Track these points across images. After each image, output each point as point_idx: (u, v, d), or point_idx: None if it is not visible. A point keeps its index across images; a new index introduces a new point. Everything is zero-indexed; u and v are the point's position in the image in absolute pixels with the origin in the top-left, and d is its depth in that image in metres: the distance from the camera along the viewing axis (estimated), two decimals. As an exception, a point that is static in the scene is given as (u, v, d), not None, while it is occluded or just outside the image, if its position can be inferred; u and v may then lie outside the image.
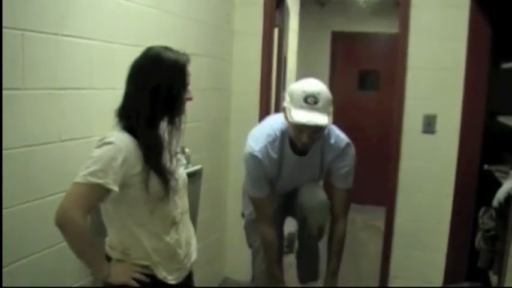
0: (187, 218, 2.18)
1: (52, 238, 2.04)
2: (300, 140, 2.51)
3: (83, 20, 2.14)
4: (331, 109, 2.49)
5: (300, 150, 2.64)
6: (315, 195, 2.80)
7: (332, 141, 2.69)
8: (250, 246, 3.11)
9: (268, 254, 2.87)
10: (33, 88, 1.88)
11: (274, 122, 2.71)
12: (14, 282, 1.85)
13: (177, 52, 1.97)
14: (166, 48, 1.97)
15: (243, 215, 3.11)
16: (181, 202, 2.09)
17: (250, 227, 3.03)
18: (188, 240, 2.17)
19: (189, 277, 2.21)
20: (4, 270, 1.80)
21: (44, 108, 1.95)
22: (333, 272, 2.89)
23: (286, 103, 2.52)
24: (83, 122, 2.19)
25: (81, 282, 2.25)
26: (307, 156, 2.67)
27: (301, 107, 2.42)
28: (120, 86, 2.36)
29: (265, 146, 2.62)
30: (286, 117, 2.51)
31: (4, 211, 1.79)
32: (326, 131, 2.64)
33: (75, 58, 2.11)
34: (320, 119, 2.41)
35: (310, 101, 2.42)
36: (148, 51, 1.97)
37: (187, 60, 1.98)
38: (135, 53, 2.44)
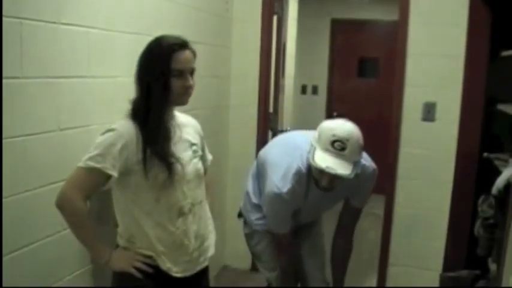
0: (201, 210, 2.16)
1: (52, 226, 2.04)
2: (320, 182, 2.38)
3: (81, 8, 2.12)
4: (359, 157, 2.34)
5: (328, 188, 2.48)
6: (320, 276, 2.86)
7: (358, 171, 2.48)
8: (252, 248, 2.94)
9: (287, 283, 2.82)
10: (31, 77, 1.87)
11: (301, 154, 2.49)
12: (14, 270, 1.85)
13: (169, 38, 1.97)
14: (163, 36, 1.98)
15: (239, 215, 2.96)
16: (191, 193, 2.08)
17: (255, 236, 2.87)
18: (201, 233, 2.15)
19: (203, 273, 2.20)
20: (4, 258, 1.80)
21: (43, 97, 1.94)
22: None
23: (313, 140, 2.35)
24: (81, 111, 2.18)
25: (81, 270, 2.25)
26: (336, 189, 2.50)
27: (326, 150, 2.26)
28: (119, 74, 2.37)
29: (293, 187, 2.44)
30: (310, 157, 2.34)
31: (4, 200, 1.78)
32: None
33: (74, 46, 2.09)
34: (342, 168, 2.24)
35: (337, 146, 2.24)
36: (151, 40, 2.00)
37: (178, 45, 1.95)
38: (134, 41, 2.45)
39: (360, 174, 2.47)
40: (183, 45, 1.96)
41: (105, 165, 1.85)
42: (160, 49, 1.94)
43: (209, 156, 2.27)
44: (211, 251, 2.22)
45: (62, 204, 1.88)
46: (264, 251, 2.84)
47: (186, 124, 2.15)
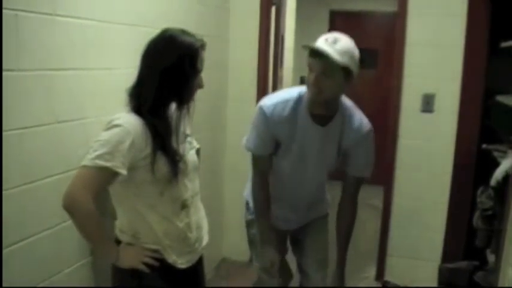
0: (198, 200, 2.18)
1: (50, 220, 2.04)
2: (309, 82, 2.31)
3: (77, 0, 2.11)
4: (350, 63, 2.25)
5: (318, 119, 2.45)
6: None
7: (354, 124, 2.50)
8: (250, 236, 2.88)
9: (259, 208, 2.71)
10: (27, 69, 1.86)
11: (293, 89, 2.54)
12: (13, 264, 1.85)
13: (192, 36, 1.95)
14: (183, 32, 1.96)
15: (247, 224, 2.89)
16: (191, 185, 2.09)
17: (254, 224, 2.80)
18: (199, 223, 2.17)
19: (199, 261, 2.22)
20: (3, 252, 1.80)
21: (39, 89, 1.93)
22: (341, 263, 2.77)
23: None
24: (78, 103, 2.17)
25: (80, 262, 2.25)
26: (325, 128, 2.47)
27: (319, 41, 2.27)
28: (116, 66, 2.35)
29: (276, 104, 2.44)
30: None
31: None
32: (348, 112, 2.48)
33: (70, 38, 2.08)
34: (333, 53, 2.18)
35: (329, 39, 2.23)
36: (164, 32, 1.96)
37: (202, 46, 1.95)
38: (131, 33, 2.43)
39: (356, 128, 2.49)
40: (204, 45, 1.97)
41: (114, 163, 1.79)
42: (187, 47, 1.91)
43: (194, 144, 2.24)
44: (206, 240, 2.24)
45: (72, 207, 1.80)
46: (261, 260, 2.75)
47: (173, 113, 2.10)
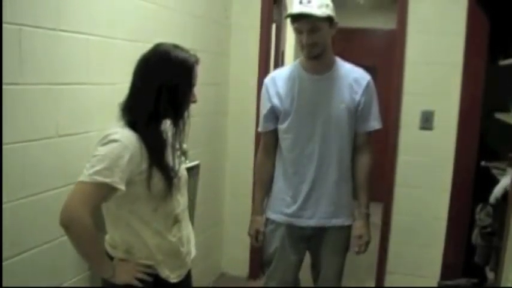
0: (187, 215, 2.17)
1: (50, 233, 2.04)
2: (302, 45, 2.54)
3: (80, 15, 2.13)
4: (330, 11, 2.50)
5: (314, 72, 2.64)
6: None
7: (355, 74, 2.71)
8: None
9: (258, 178, 2.87)
10: (31, 83, 1.88)
11: None
12: (12, 276, 1.85)
13: (186, 52, 1.94)
14: (176, 47, 1.94)
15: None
16: (182, 200, 2.08)
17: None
18: (188, 237, 2.16)
19: (187, 275, 2.21)
20: (3, 264, 1.80)
21: (42, 103, 1.95)
22: (364, 213, 2.81)
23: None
24: (80, 118, 2.19)
25: (78, 276, 2.24)
26: (323, 78, 2.65)
27: (295, 6, 2.50)
28: (118, 81, 2.37)
29: (274, 72, 2.80)
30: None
31: (3, 206, 1.78)
32: (346, 66, 2.72)
33: (73, 53, 2.10)
34: (314, 11, 2.43)
35: (303, 1, 2.47)
36: (158, 47, 1.93)
37: (196, 62, 1.95)
38: (133, 48, 2.45)
39: (359, 78, 2.71)
40: (198, 60, 1.97)
41: (114, 179, 1.76)
42: (182, 62, 1.90)
43: (182, 158, 2.23)
44: (193, 253, 2.22)
45: (70, 224, 1.75)
46: (275, 250, 2.76)
47: (168, 128, 2.07)
